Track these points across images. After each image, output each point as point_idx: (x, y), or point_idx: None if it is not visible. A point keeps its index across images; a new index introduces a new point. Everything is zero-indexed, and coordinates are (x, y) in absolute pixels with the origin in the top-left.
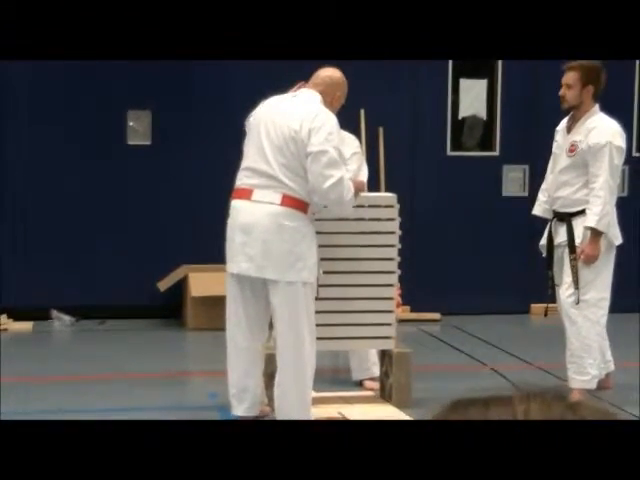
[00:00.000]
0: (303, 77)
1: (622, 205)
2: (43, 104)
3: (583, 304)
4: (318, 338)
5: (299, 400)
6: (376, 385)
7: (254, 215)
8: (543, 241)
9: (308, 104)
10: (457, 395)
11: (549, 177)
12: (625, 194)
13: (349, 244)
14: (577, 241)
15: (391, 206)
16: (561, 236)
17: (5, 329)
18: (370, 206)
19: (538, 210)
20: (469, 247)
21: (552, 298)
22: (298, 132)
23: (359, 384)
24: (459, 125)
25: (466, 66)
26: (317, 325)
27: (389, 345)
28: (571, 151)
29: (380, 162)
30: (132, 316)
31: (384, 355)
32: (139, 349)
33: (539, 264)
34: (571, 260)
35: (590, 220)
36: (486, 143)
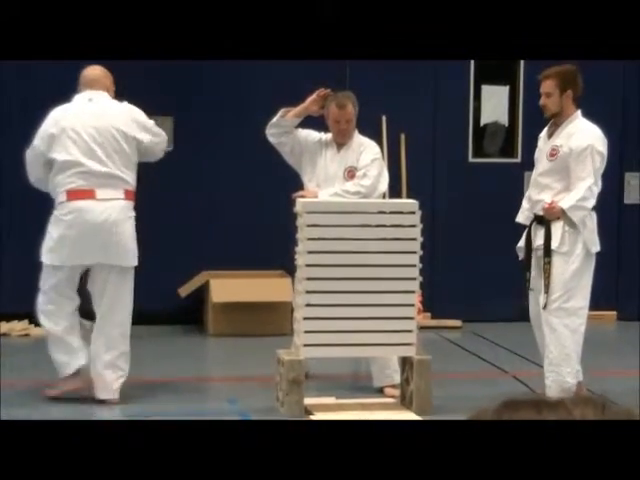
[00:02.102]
0: (323, 77)
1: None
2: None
3: (563, 312)
4: (339, 345)
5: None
6: (397, 392)
7: (105, 212)
8: (521, 243)
9: (114, 105)
10: (477, 402)
11: (531, 183)
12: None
13: (370, 250)
14: (554, 245)
15: (412, 212)
16: (540, 239)
17: (27, 334)
18: (391, 212)
19: (521, 217)
20: (490, 254)
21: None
22: (123, 130)
23: (380, 391)
24: (481, 132)
25: (488, 72)
26: (338, 332)
27: (410, 352)
28: (552, 155)
29: (402, 168)
30: (153, 322)
31: (405, 362)
32: (160, 355)
33: None
34: (545, 264)
35: (565, 202)
36: (508, 150)
